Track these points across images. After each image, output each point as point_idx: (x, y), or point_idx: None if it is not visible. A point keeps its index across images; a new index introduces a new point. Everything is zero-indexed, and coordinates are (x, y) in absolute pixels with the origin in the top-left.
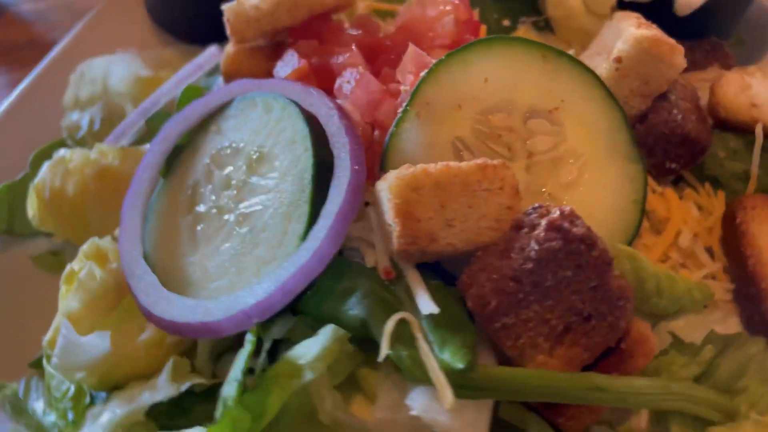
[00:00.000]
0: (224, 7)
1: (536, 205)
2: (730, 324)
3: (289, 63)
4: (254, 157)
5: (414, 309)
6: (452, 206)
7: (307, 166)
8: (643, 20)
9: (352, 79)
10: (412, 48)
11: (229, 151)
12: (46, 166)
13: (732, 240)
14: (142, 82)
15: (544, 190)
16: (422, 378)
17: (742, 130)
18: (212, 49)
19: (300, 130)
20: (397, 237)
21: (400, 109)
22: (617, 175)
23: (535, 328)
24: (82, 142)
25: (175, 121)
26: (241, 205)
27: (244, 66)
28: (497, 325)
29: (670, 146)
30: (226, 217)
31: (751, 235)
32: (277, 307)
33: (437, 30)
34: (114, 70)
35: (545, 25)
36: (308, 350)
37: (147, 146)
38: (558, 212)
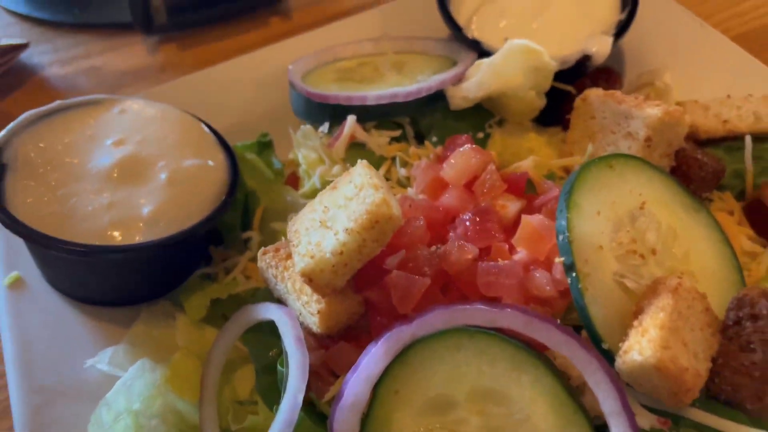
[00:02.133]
0: (298, 269)
1: (732, 300)
2: None
3: (411, 287)
4: (480, 403)
5: None
6: (687, 338)
7: (554, 384)
8: (637, 98)
9: (509, 274)
10: (526, 219)
11: (438, 411)
12: None
13: None
14: (173, 378)
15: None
16: None
17: (715, 142)
18: (272, 308)
19: (512, 353)
20: (684, 395)
21: (577, 284)
22: (699, 226)
23: None
24: None
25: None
26: None
27: (341, 313)
28: None
29: (705, 182)
30: None
31: None
32: None
33: (486, 182)
34: (131, 393)
35: (501, 121)
36: None
37: None
38: (760, 295)
